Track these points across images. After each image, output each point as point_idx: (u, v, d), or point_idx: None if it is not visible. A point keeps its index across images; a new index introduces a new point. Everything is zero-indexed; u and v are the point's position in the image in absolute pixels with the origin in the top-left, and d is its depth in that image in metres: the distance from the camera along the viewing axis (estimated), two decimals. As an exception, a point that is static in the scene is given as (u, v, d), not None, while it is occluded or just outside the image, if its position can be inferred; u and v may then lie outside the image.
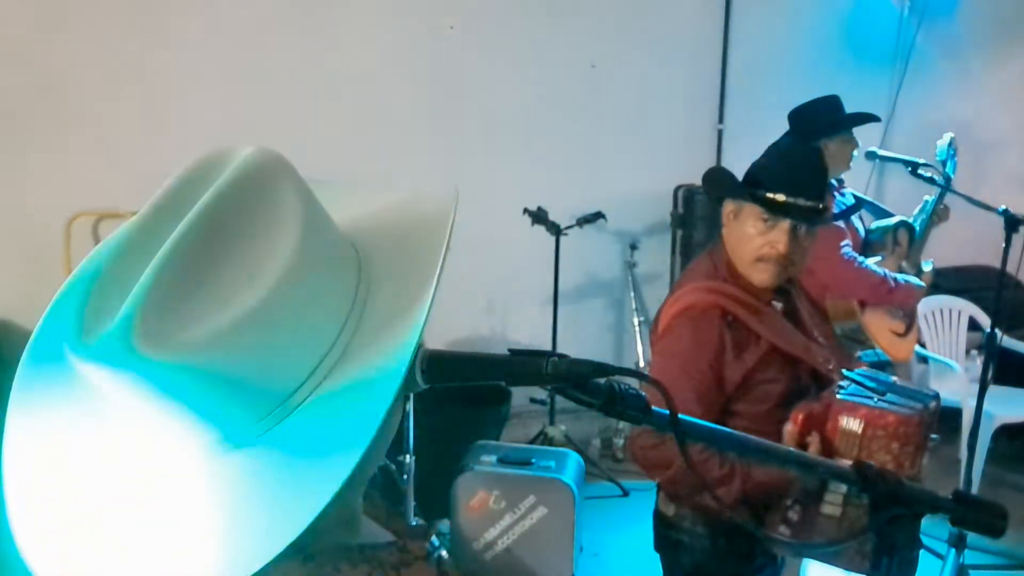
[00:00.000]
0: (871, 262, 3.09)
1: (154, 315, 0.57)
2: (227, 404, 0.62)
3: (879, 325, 3.16)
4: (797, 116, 3.09)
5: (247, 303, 0.60)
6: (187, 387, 0.60)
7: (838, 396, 1.72)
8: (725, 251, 1.90)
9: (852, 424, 1.66)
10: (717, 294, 1.83)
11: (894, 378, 1.92)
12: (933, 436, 1.79)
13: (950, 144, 3.25)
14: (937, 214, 3.30)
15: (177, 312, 0.58)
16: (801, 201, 1.77)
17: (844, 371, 1.83)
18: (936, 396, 1.79)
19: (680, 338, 1.83)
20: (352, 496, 0.77)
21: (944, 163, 3.24)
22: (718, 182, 1.97)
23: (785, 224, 1.79)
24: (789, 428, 1.71)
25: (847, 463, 1.61)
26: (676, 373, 1.77)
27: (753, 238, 1.81)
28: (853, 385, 1.76)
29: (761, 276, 1.83)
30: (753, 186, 1.82)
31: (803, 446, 1.68)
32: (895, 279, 3.07)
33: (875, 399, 1.70)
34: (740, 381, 1.79)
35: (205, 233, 0.60)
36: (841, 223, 3.05)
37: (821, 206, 1.81)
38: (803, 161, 1.85)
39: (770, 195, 1.78)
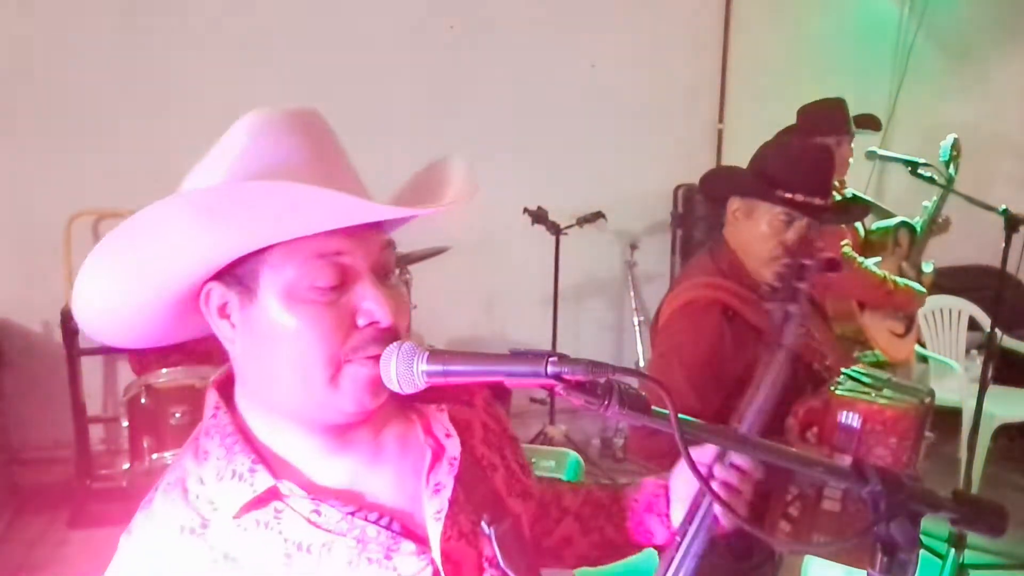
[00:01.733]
0: (871, 262, 3.09)
1: None
2: None
3: (878, 326, 3.15)
4: (803, 114, 3.10)
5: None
6: None
7: (836, 392, 1.73)
8: (727, 248, 1.90)
9: (851, 419, 1.68)
10: (716, 289, 1.83)
11: (888, 375, 1.93)
12: (927, 434, 1.80)
13: (953, 146, 3.24)
14: (937, 224, 3.30)
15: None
16: (818, 200, 1.78)
17: (842, 368, 1.84)
18: (931, 392, 1.80)
19: (679, 332, 1.84)
20: None
21: (947, 164, 3.22)
22: (730, 180, 1.96)
23: (803, 223, 1.79)
24: (790, 423, 1.71)
25: (847, 458, 1.63)
26: (674, 367, 1.77)
27: (769, 238, 1.81)
28: (850, 381, 1.77)
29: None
30: (769, 185, 1.81)
31: (803, 441, 1.69)
32: (895, 282, 3.06)
33: (872, 394, 1.72)
34: (739, 376, 1.79)
35: None
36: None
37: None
38: (818, 159, 1.85)
39: (789, 195, 1.78)
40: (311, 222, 0.79)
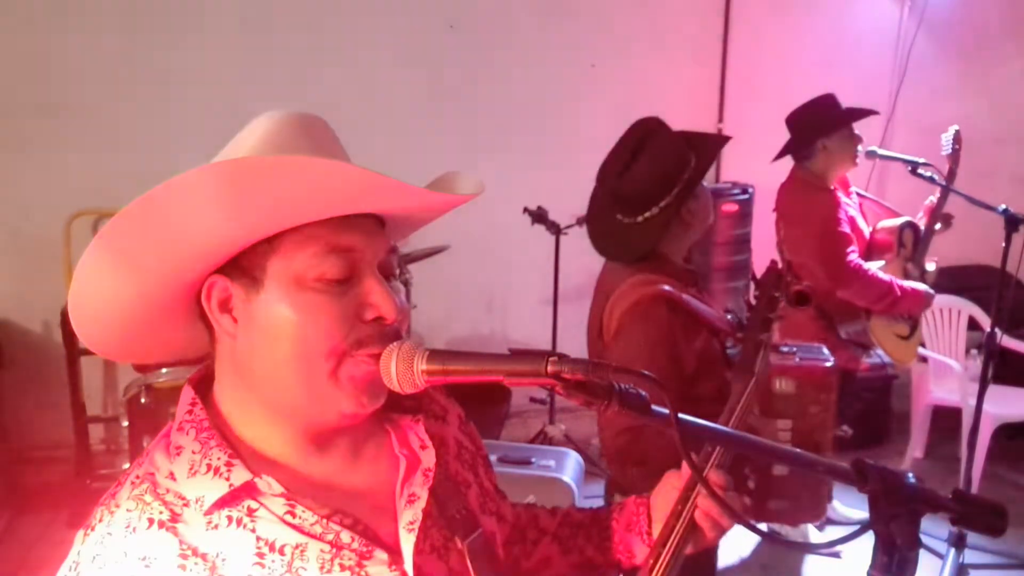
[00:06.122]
0: (876, 266, 3.05)
1: None
2: None
3: (884, 331, 3.13)
4: (796, 119, 3.08)
5: None
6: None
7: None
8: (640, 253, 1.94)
9: (786, 385, 1.72)
10: (655, 284, 1.85)
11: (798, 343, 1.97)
12: (844, 428, 1.93)
13: (955, 137, 3.20)
14: (940, 219, 3.27)
15: None
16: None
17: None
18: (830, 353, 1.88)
19: (635, 334, 1.83)
20: None
21: (951, 156, 3.19)
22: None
23: None
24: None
25: (786, 423, 1.69)
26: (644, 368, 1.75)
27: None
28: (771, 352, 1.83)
29: None
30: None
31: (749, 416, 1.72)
32: (902, 287, 3.02)
33: (797, 359, 1.77)
34: (694, 366, 1.81)
35: None
36: (847, 228, 3.02)
37: None
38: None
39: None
40: (337, 200, 0.80)
